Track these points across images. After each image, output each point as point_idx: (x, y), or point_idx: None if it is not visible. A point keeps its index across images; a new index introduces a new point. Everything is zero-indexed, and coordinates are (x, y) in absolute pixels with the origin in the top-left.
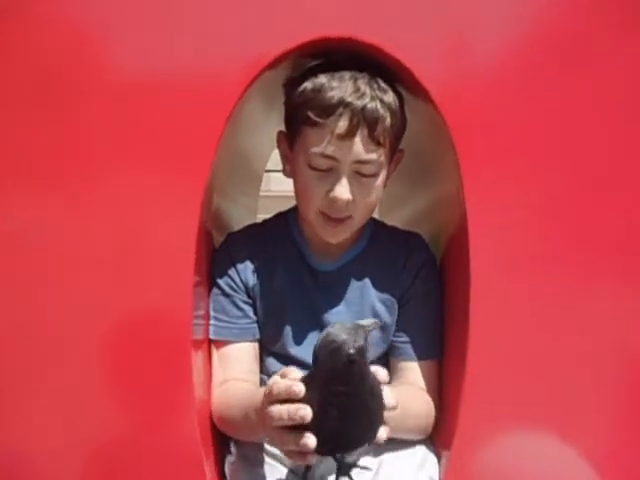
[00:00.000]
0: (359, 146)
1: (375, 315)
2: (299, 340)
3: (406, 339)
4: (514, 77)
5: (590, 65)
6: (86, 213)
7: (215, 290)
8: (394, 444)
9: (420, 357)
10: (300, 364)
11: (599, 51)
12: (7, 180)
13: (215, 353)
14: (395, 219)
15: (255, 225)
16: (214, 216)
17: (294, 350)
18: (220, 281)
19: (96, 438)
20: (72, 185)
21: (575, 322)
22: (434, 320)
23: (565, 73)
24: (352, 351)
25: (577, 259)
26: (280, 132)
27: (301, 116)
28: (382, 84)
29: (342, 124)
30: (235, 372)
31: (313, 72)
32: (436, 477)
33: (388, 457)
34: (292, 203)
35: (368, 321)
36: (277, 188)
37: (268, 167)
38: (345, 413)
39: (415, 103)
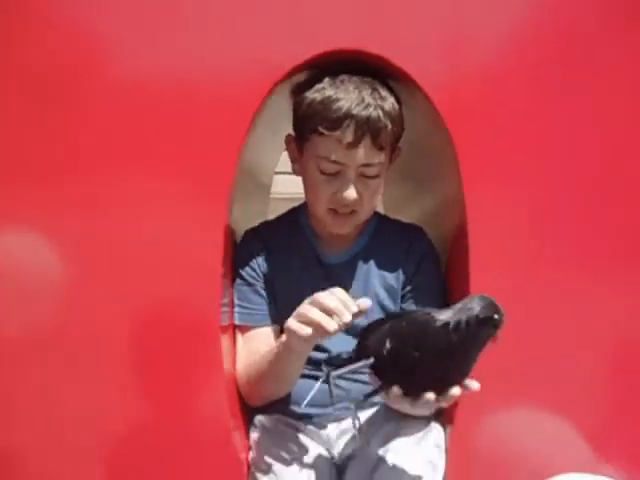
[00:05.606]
0: (363, 152)
1: (378, 301)
2: None
3: None
4: (511, 80)
5: (590, 64)
6: (125, 213)
7: (238, 280)
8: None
9: None
10: (315, 347)
11: (599, 50)
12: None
13: (240, 337)
14: (403, 218)
15: (270, 221)
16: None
17: None
18: (242, 272)
19: (133, 411)
20: (108, 183)
21: (570, 317)
22: None
23: (566, 72)
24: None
25: (576, 258)
26: (289, 135)
27: (310, 126)
28: (382, 92)
29: (349, 135)
30: (258, 352)
31: (318, 79)
32: (442, 443)
33: (392, 426)
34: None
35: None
36: (285, 190)
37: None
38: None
39: (416, 104)
